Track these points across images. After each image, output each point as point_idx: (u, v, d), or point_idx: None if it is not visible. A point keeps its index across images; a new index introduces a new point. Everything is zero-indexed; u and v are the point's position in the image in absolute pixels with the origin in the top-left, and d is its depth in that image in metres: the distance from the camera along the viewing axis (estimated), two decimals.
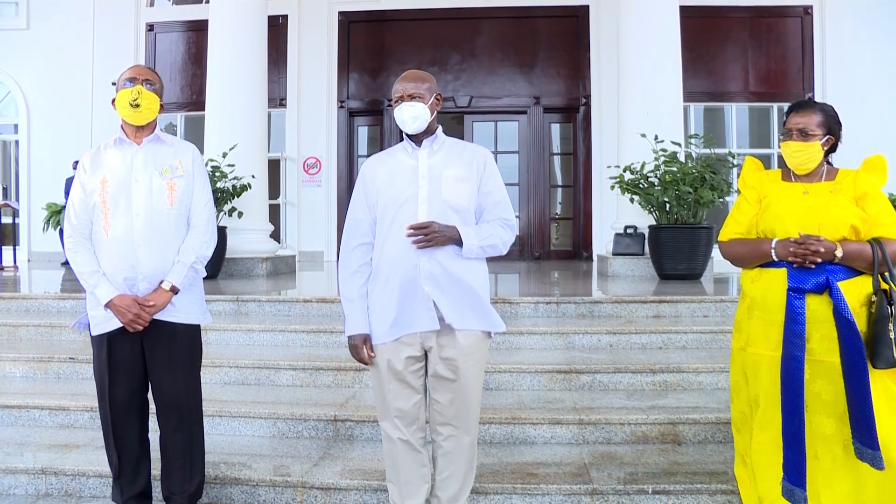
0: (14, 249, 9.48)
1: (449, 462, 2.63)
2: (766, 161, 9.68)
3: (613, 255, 7.31)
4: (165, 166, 2.77)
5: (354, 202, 2.66)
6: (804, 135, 2.63)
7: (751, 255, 2.69)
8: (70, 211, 2.76)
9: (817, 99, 9.77)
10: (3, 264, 8.90)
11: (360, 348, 2.58)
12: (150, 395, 2.87)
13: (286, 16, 10.88)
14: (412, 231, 2.45)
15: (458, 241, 2.49)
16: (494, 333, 2.66)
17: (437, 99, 2.62)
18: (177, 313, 2.76)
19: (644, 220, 7.05)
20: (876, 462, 2.42)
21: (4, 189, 11.07)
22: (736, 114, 10.57)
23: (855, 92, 9.90)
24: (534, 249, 10.87)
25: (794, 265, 2.54)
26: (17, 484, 3.27)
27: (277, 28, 10.55)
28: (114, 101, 2.78)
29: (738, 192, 2.89)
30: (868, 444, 2.42)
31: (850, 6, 10.16)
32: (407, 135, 2.61)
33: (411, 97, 2.53)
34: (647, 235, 6.96)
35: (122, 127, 2.80)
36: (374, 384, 2.68)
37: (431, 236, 2.45)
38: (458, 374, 2.54)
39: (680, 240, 6.49)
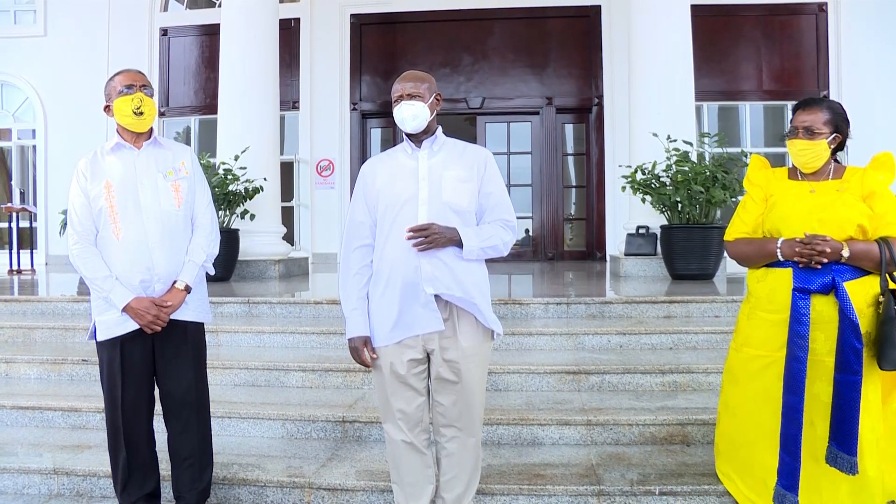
0: (31, 253, 9.59)
1: (453, 463, 2.63)
2: (780, 160, 9.61)
3: (626, 255, 7.26)
4: (168, 169, 2.81)
5: (354, 204, 2.66)
6: (810, 133, 2.60)
7: (756, 254, 2.67)
8: (73, 217, 2.74)
9: (832, 97, 9.65)
10: (21, 268, 9.01)
11: (361, 350, 2.59)
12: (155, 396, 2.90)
13: (298, 19, 10.92)
14: (412, 234, 2.45)
15: (459, 243, 2.48)
16: (496, 335, 2.65)
17: (437, 99, 2.62)
18: (189, 311, 2.80)
19: (656, 220, 7.00)
20: (851, 468, 2.40)
21: (22, 193, 11.21)
22: (750, 112, 10.47)
23: (870, 90, 9.75)
24: (547, 250, 10.83)
25: (800, 265, 2.51)
26: (31, 483, 3.31)
27: (290, 31, 10.61)
28: (107, 107, 2.78)
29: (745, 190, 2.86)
30: (846, 450, 2.41)
31: (866, 3, 10.01)
32: (407, 135, 2.62)
33: (410, 96, 2.54)
34: (659, 235, 6.91)
35: (118, 132, 2.81)
36: (376, 387, 2.69)
37: (431, 238, 2.44)
38: (460, 376, 2.53)
39: (692, 240, 6.44)
